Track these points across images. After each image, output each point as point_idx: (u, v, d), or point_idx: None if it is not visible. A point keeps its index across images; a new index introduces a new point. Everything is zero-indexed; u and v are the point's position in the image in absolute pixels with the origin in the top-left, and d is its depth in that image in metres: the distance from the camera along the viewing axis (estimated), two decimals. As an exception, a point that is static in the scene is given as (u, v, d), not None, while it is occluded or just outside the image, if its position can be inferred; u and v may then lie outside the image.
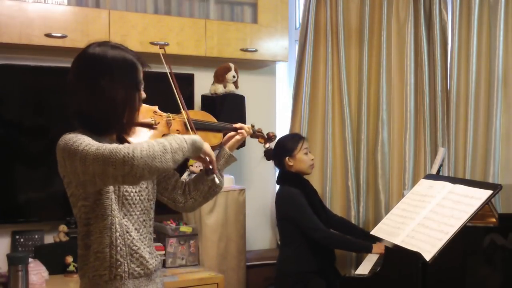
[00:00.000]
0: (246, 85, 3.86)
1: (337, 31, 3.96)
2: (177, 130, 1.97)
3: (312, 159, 3.41)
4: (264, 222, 4.15)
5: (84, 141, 1.65)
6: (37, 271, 2.99)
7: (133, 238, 1.81)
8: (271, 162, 3.74)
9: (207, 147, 1.84)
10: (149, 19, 3.48)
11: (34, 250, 3.24)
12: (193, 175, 3.25)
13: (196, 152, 1.79)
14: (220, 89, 3.61)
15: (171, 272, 3.30)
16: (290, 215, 3.29)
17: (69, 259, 3.19)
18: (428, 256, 1.91)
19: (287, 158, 3.33)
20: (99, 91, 1.73)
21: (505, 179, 4.10)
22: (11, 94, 3.25)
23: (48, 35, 3.18)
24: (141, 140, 1.83)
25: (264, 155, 3.38)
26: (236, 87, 3.68)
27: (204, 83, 3.70)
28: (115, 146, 1.61)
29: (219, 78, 3.63)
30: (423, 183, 2.31)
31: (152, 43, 3.44)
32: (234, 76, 3.64)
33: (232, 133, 2.12)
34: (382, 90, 4.03)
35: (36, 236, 3.30)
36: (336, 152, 4.00)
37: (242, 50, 3.75)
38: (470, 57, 4.07)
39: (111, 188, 1.77)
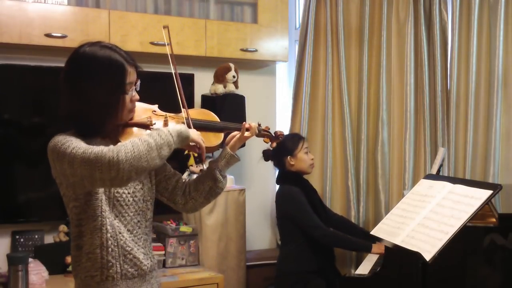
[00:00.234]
0: (246, 85, 3.86)
1: (337, 31, 3.96)
2: None
3: (312, 159, 3.44)
4: (264, 222, 4.15)
5: (72, 144, 1.65)
6: (37, 271, 2.99)
7: (126, 239, 1.80)
8: (271, 162, 3.74)
9: (194, 134, 1.81)
10: (149, 19, 3.48)
11: (34, 250, 3.24)
12: (193, 175, 3.27)
13: (183, 142, 1.77)
14: (220, 89, 3.61)
15: (171, 272, 3.30)
16: (290, 214, 3.30)
17: (69, 259, 3.17)
18: (428, 256, 1.91)
19: (288, 157, 3.34)
20: (79, 93, 1.73)
21: (505, 179, 4.10)
22: (11, 94, 3.25)
23: (48, 35, 3.18)
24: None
25: (263, 155, 3.39)
26: (236, 87, 3.68)
27: (204, 83, 3.70)
28: (100, 149, 1.60)
29: (219, 78, 3.63)
30: (423, 183, 2.31)
31: (152, 43, 3.44)
32: (234, 76, 3.64)
33: (235, 132, 2.05)
34: (382, 90, 4.03)
35: (36, 236, 3.30)
36: (336, 152, 4.00)
37: (242, 50, 3.75)
38: (470, 57, 4.07)
39: (100, 189, 1.76)
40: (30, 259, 3.00)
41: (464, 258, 2.72)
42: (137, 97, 1.84)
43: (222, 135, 2.03)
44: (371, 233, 2.31)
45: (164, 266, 3.37)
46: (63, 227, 3.30)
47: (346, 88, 3.95)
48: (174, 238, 3.38)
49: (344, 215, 3.84)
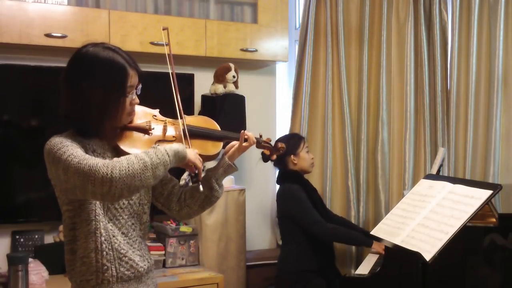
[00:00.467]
0: (246, 85, 3.86)
1: (337, 31, 3.96)
2: (172, 136, 1.90)
3: (312, 158, 3.47)
4: (264, 222, 4.15)
5: (68, 150, 1.65)
6: (37, 271, 2.99)
7: (120, 242, 1.79)
8: (271, 162, 3.74)
9: (191, 155, 1.80)
10: (149, 19, 3.48)
11: (34, 250, 3.24)
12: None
13: (180, 161, 1.76)
14: (220, 89, 3.61)
15: (171, 272, 3.30)
16: (290, 212, 3.31)
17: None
18: (428, 256, 1.91)
19: (292, 156, 3.36)
20: (79, 92, 1.72)
21: (505, 179, 4.10)
22: (11, 94, 3.25)
23: (48, 35, 3.18)
24: (132, 147, 1.82)
25: (262, 157, 3.38)
26: (236, 87, 3.68)
27: (204, 83, 3.70)
28: (95, 162, 1.60)
29: (219, 78, 3.63)
30: (423, 183, 2.31)
31: (152, 43, 3.44)
32: (234, 76, 3.64)
33: (234, 142, 2.03)
34: (382, 90, 4.03)
35: (36, 236, 3.30)
36: (336, 152, 4.00)
37: (242, 50, 3.75)
38: (470, 57, 4.07)
39: None
40: (30, 259, 3.00)
41: (464, 258, 2.72)
42: (137, 100, 1.84)
43: (221, 144, 2.01)
44: (371, 233, 2.31)
45: (164, 266, 3.37)
46: (63, 227, 3.29)
47: (346, 88, 3.96)
48: (174, 238, 3.38)
49: (344, 215, 3.84)
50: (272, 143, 2.18)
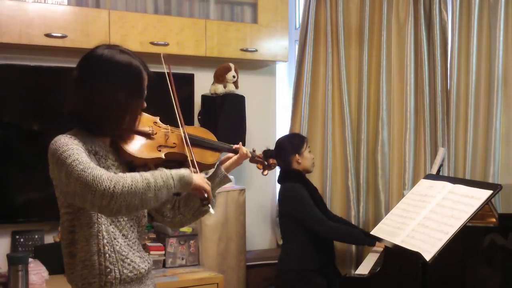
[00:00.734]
0: (246, 85, 3.86)
1: (337, 31, 3.96)
2: (173, 143, 1.94)
3: (313, 158, 3.51)
4: (264, 222, 4.15)
5: (73, 154, 1.64)
6: (37, 271, 2.99)
7: (121, 244, 1.79)
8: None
9: (198, 180, 1.78)
10: (149, 19, 3.48)
11: (34, 250, 3.24)
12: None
13: (185, 187, 1.75)
14: (220, 89, 3.61)
15: (171, 272, 3.30)
16: (292, 210, 3.31)
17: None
18: (428, 256, 1.91)
19: (296, 155, 3.37)
20: (99, 92, 1.72)
21: (505, 179, 4.10)
22: (11, 94, 3.25)
23: (48, 35, 3.18)
24: (135, 149, 1.83)
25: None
26: (236, 87, 3.68)
27: (204, 83, 3.70)
28: (99, 173, 1.58)
29: (219, 78, 3.63)
30: (423, 183, 2.31)
31: (152, 43, 3.44)
32: (234, 76, 3.64)
33: (231, 154, 2.10)
34: (382, 90, 4.03)
35: (36, 236, 3.30)
36: (336, 152, 4.00)
37: (242, 50, 3.75)
38: (470, 57, 4.07)
39: None
40: (30, 259, 3.00)
41: (464, 258, 2.72)
42: (145, 105, 1.85)
43: (219, 154, 2.07)
44: (371, 233, 2.31)
45: (164, 266, 3.37)
46: (60, 230, 3.29)
47: (346, 88, 3.96)
48: (174, 238, 3.38)
49: (344, 215, 3.84)
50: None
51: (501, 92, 4.11)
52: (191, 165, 1.88)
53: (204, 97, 3.71)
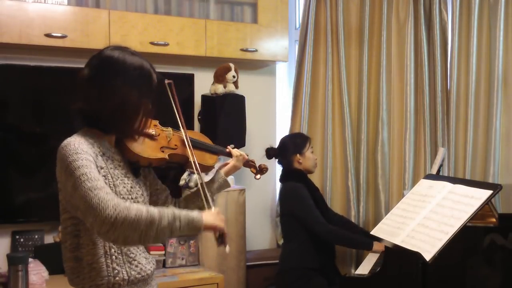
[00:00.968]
0: (246, 85, 3.86)
1: (337, 31, 3.96)
2: (175, 145, 1.99)
3: (316, 159, 3.50)
4: (264, 222, 4.15)
5: (82, 166, 1.62)
6: (37, 271, 2.99)
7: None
8: (271, 162, 3.72)
9: (209, 220, 1.73)
10: (149, 19, 3.48)
11: (34, 250, 3.24)
12: (193, 175, 3.27)
13: (192, 231, 1.71)
14: (220, 89, 3.61)
15: (171, 272, 3.30)
16: (292, 210, 3.31)
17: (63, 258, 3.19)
18: (428, 256, 1.91)
19: (297, 155, 3.37)
20: (112, 91, 1.73)
21: (505, 179, 4.10)
22: (11, 94, 3.25)
23: (48, 35, 3.18)
24: (140, 149, 1.85)
25: (266, 153, 3.42)
26: (236, 87, 3.68)
27: (204, 83, 3.70)
28: (105, 197, 1.57)
29: (219, 78, 3.63)
30: (423, 183, 2.31)
31: (152, 43, 3.44)
32: (234, 76, 3.64)
33: (230, 159, 2.18)
34: (382, 90, 4.03)
35: (36, 236, 3.30)
36: (336, 152, 4.00)
37: (242, 50, 3.75)
38: (470, 57, 4.07)
39: None
40: (30, 259, 3.00)
41: (464, 258, 2.72)
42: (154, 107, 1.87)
43: (217, 157, 2.15)
44: (371, 233, 2.31)
45: (164, 266, 3.37)
46: (62, 235, 3.29)
47: (346, 88, 3.96)
48: (174, 238, 3.37)
49: (344, 215, 3.84)
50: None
51: (501, 92, 4.11)
52: (193, 166, 1.94)
53: (204, 97, 3.71)
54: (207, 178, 2.21)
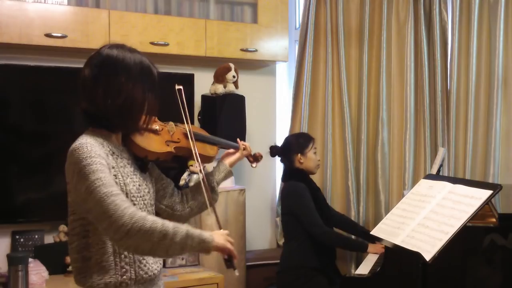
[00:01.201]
0: (246, 85, 3.86)
1: (337, 31, 3.96)
2: (178, 138, 2.03)
3: (319, 160, 3.50)
4: (264, 222, 4.15)
5: (97, 171, 1.63)
6: (37, 271, 2.99)
7: None
8: (271, 162, 3.75)
9: (220, 241, 1.75)
10: (149, 19, 3.48)
11: (34, 250, 3.24)
12: (193, 175, 3.27)
13: (203, 251, 1.73)
14: (220, 89, 3.61)
15: (171, 272, 3.30)
16: (293, 209, 3.31)
17: (69, 259, 3.19)
18: (428, 256, 1.91)
19: (299, 155, 3.37)
20: (117, 89, 1.74)
21: (505, 179, 4.10)
22: (11, 94, 3.25)
23: (48, 35, 3.18)
24: (146, 143, 1.86)
25: (270, 151, 3.43)
26: (236, 87, 3.68)
27: (204, 83, 3.70)
28: (122, 206, 1.59)
29: (219, 78, 3.63)
30: (423, 183, 2.31)
31: (152, 43, 3.44)
32: (234, 76, 3.64)
33: (231, 150, 2.21)
34: (382, 90, 4.03)
35: (36, 236, 3.30)
36: (336, 152, 4.00)
37: (242, 50, 3.75)
38: (470, 57, 4.07)
39: None
40: (30, 259, 3.00)
41: (464, 258, 2.72)
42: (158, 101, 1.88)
43: (217, 148, 2.20)
44: (371, 233, 2.31)
45: (164, 266, 3.34)
46: (63, 227, 3.30)
47: (346, 88, 3.96)
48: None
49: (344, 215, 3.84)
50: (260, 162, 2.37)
51: (501, 92, 4.11)
52: (196, 158, 2.00)
53: (204, 97, 3.71)
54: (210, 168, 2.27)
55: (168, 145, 1.98)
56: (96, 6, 3.44)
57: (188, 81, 3.65)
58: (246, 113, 3.71)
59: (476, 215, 1.99)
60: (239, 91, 3.69)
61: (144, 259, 1.81)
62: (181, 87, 2.08)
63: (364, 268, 3.19)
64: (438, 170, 3.31)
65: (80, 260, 1.77)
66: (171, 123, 2.06)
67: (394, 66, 4.05)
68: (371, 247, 3.31)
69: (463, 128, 4.11)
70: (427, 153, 4.01)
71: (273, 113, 4.17)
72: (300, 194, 3.29)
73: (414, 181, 3.90)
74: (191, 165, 3.41)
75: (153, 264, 1.84)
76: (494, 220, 2.68)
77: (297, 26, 4.28)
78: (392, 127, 4.07)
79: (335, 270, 3.43)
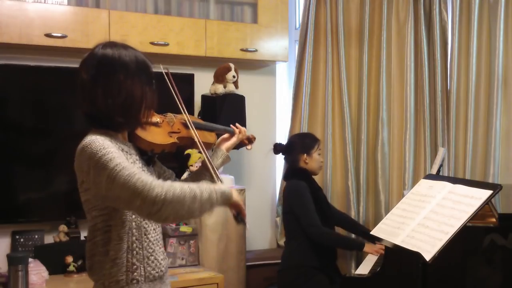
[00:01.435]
0: (246, 85, 3.86)
1: (337, 31, 3.96)
2: (178, 128, 2.05)
3: (322, 161, 3.51)
4: (264, 222, 4.15)
5: (114, 158, 1.64)
6: (37, 271, 2.99)
7: (150, 241, 1.81)
8: (271, 162, 3.75)
9: (236, 195, 1.82)
10: (149, 19, 3.48)
11: (34, 250, 3.24)
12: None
13: (225, 202, 1.78)
14: (220, 89, 3.61)
15: (171, 272, 3.28)
16: (293, 208, 3.32)
17: (69, 259, 3.19)
18: (428, 256, 1.91)
19: (304, 155, 3.37)
20: (117, 88, 1.74)
21: (505, 179, 4.10)
22: (11, 94, 3.25)
23: (48, 35, 3.18)
24: (150, 137, 1.88)
25: (273, 148, 3.44)
26: (236, 87, 3.68)
27: (204, 83, 3.70)
28: (149, 180, 1.61)
29: (219, 78, 3.63)
30: (423, 183, 2.31)
31: (152, 43, 3.44)
32: (234, 76, 3.64)
33: (227, 135, 2.21)
34: (382, 90, 4.03)
35: (36, 236, 3.30)
36: (336, 152, 4.00)
37: (242, 50, 3.75)
38: (470, 57, 4.07)
39: None
40: (30, 259, 3.00)
41: (464, 258, 2.72)
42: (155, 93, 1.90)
43: (214, 134, 2.22)
44: (371, 233, 2.31)
45: (164, 266, 3.37)
46: (63, 227, 3.30)
47: (346, 88, 3.96)
48: (174, 238, 3.38)
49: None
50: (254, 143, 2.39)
51: (501, 92, 4.12)
52: (200, 145, 2.02)
53: (204, 97, 3.71)
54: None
55: (171, 136, 2.00)
56: (96, 6, 3.44)
57: (188, 81, 3.66)
58: (246, 113, 3.71)
59: (476, 215, 1.99)
60: (239, 91, 3.69)
61: (152, 255, 1.81)
62: (167, 70, 2.06)
63: (364, 268, 3.19)
64: (438, 170, 3.31)
65: (103, 254, 1.77)
66: (169, 114, 2.06)
67: (394, 66, 4.06)
68: (367, 246, 3.32)
69: (463, 128, 4.11)
70: (427, 153, 4.01)
71: (273, 113, 4.17)
72: (301, 193, 3.29)
73: (414, 181, 3.90)
74: (191, 165, 3.41)
75: (161, 260, 1.86)
76: (494, 220, 2.68)
77: (297, 26, 4.28)
78: (392, 127, 4.07)
79: (336, 269, 3.44)
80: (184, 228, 3.41)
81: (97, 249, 1.78)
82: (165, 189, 1.60)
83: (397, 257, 2.88)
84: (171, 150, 1.99)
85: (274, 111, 4.18)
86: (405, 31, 4.04)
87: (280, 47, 3.88)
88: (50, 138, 3.28)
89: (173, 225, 3.43)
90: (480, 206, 1.98)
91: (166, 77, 2.04)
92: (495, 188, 2.01)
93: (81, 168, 1.70)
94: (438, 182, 2.24)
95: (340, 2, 3.95)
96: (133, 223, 1.77)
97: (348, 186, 3.95)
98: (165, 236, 3.37)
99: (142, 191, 1.58)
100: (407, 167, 4.01)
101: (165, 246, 3.36)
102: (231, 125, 2.24)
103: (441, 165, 3.37)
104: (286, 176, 3.48)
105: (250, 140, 2.35)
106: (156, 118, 1.98)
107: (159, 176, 2.00)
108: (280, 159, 4.08)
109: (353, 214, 3.92)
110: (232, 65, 3.64)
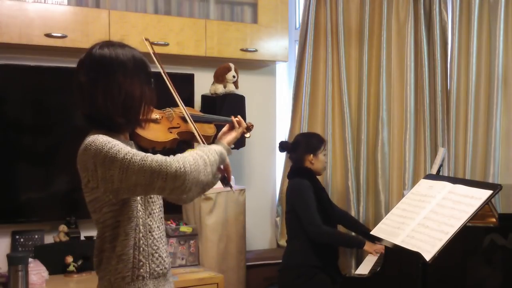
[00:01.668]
0: (246, 85, 3.86)
1: (337, 31, 3.96)
2: (177, 123, 2.05)
3: (326, 162, 3.55)
4: (264, 222, 4.15)
5: (122, 149, 1.64)
6: (37, 271, 2.99)
7: (154, 238, 1.82)
8: (271, 163, 3.74)
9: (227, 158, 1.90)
10: (149, 19, 3.48)
11: (34, 250, 3.24)
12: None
13: (222, 162, 1.85)
14: (220, 89, 3.61)
15: (171, 272, 3.30)
16: (294, 207, 3.32)
17: (69, 259, 3.19)
18: (428, 256, 1.91)
19: (311, 155, 3.38)
20: (116, 88, 1.73)
21: (505, 179, 4.10)
22: (11, 94, 3.25)
23: (48, 35, 3.18)
24: (151, 134, 1.90)
25: (279, 146, 3.45)
26: (236, 87, 3.68)
27: (204, 83, 3.70)
28: (163, 158, 1.62)
29: (219, 78, 3.63)
30: (423, 183, 2.31)
31: (152, 43, 3.43)
32: (234, 76, 3.64)
33: (226, 128, 2.16)
34: (382, 90, 4.03)
35: (36, 236, 3.30)
36: (336, 152, 4.01)
37: (242, 50, 3.75)
38: (470, 57, 4.07)
39: None
40: (30, 259, 3.00)
41: (464, 258, 2.72)
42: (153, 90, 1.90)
43: (213, 125, 2.21)
44: (371, 233, 2.31)
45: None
46: (63, 227, 3.30)
47: (346, 88, 3.96)
48: (174, 238, 3.38)
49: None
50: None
51: (501, 92, 4.11)
52: (200, 139, 2.02)
53: (204, 97, 3.72)
54: None
55: (171, 132, 2.00)
56: (96, 6, 3.44)
57: (188, 81, 3.66)
58: (246, 113, 3.71)
59: (476, 215, 1.99)
60: (239, 91, 3.69)
61: (157, 252, 1.82)
62: (148, 39, 2.09)
63: (364, 268, 3.19)
64: (438, 170, 3.31)
65: (110, 250, 1.77)
66: (168, 109, 2.06)
67: (394, 66, 4.06)
68: (367, 245, 3.33)
69: (463, 128, 4.11)
70: (427, 153, 4.01)
71: (273, 113, 4.17)
72: (303, 192, 3.30)
73: (414, 181, 3.90)
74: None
75: (165, 258, 1.86)
76: (494, 220, 2.68)
77: (297, 26, 4.28)
78: (392, 127, 4.07)
79: (337, 269, 3.44)
80: (184, 228, 3.41)
81: (105, 245, 1.78)
82: (181, 161, 1.64)
83: (397, 257, 2.88)
84: (172, 146, 2.00)
85: (274, 111, 4.18)
86: (405, 31, 4.04)
87: (280, 47, 3.88)
88: (50, 138, 3.27)
89: (173, 225, 3.43)
90: (480, 206, 1.98)
91: (148, 47, 2.04)
92: (495, 188, 2.01)
93: (85, 167, 1.69)
94: (438, 182, 2.23)
95: (340, 2, 3.95)
96: (140, 220, 1.77)
97: (348, 186, 3.95)
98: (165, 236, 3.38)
99: (161, 170, 1.60)
100: (407, 167, 4.01)
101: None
102: (232, 117, 2.20)
103: (441, 165, 3.37)
104: (290, 175, 3.48)
105: (249, 128, 2.31)
106: (156, 115, 1.98)
107: None
108: (280, 159, 4.08)
109: (353, 214, 3.91)
110: (232, 65, 3.64)
